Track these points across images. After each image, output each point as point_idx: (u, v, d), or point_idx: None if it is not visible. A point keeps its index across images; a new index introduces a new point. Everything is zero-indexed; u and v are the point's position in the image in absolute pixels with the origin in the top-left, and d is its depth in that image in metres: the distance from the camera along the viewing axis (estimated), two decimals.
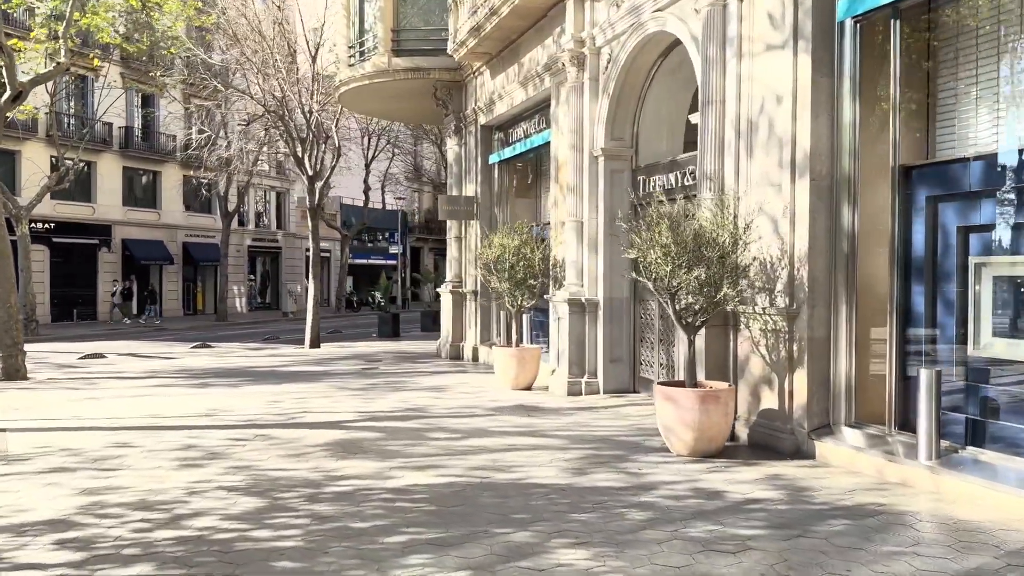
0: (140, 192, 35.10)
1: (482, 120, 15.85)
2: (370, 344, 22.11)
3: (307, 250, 45.87)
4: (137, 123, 34.20)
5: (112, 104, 29.81)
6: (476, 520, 5.32)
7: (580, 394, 11.04)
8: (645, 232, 7.15)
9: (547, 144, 13.21)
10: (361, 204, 43.04)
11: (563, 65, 11.58)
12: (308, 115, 20.34)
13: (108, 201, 32.84)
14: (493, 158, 15.82)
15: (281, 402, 10.98)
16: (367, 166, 40.43)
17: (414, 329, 27.14)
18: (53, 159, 28.47)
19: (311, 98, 20.39)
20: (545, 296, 12.25)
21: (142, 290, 32.78)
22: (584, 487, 6.18)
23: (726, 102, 8.17)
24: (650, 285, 7.32)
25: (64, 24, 13.87)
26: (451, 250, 17.36)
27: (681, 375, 9.73)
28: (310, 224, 21.62)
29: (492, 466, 6.90)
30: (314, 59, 20.51)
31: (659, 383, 7.53)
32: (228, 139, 29.11)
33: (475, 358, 16.16)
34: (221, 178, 32.16)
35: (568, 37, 11.27)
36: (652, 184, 10.58)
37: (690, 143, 10.69)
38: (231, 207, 33.95)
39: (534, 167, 15.49)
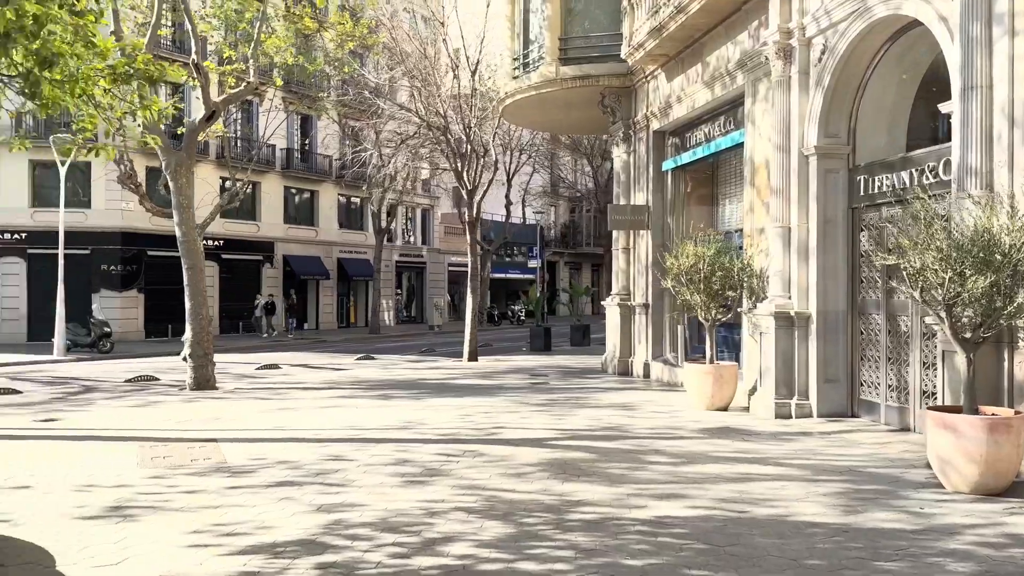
0: (299, 210, 36.72)
1: (655, 125, 15.20)
2: (525, 358, 21.81)
3: (450, 265, 46.84)
4: (296, 144, 35.84)
5: (278, 127, 31.25)
6: (767, 565, 4.65)
7: (789, 417, 10.10)
8: (915, 234, 6.27)
9: (736, 146, 12.40)
10: (499, 218, 43.25)
11: (765, 59, 10.77)
12: (468, 130, 20.40)
13: (271, 219, 34.52)
14: (667, 164, 15.12)
15: (471, 416, 10.71)
16: (508, 180, 40.61)
17: (563, 343, 26.70)
18: (223, 180, 30.12)
19: (470, 112, 20.45)
20: (739, 309, 11.42)
21: (292, 304, 33.88)
22: (866, 528, 5.38)
23: (994, 87, 7.15)
24: (916, 295, 6.43)
25: (252, 45, 14.42)
26: (618, 261, 16.76)
27: (920, 398, 8.71)
28: (468, 238, 21.68)
29: (742, 498, 6.19)
30: (474, 73, 20.56)
31: (931, 408, 6.59)
32: (383, 159, 29.85)
33: (646, 374, 15.44)
34: (376, 196, 33.10)
35: (773, 29, 10.46)
36: (876, 184, 9.57)
37: (917, 137, 9.62)
38: (383, 224, 34.86)
39: (712, 172, 14.66)
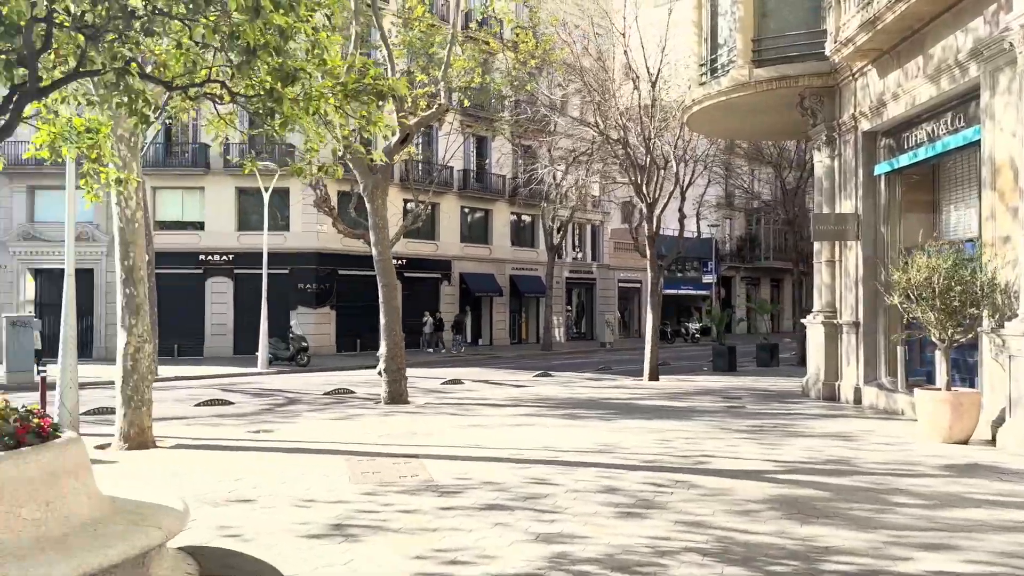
0: (474, 229, 37.60)
1: (864, 126, 13.91)
2: (709, 378, 20.76)
3: (619, 281, 46.16)
4: (472, 165, 36.78)
5: (457, 149, 32.16)
6: None
7: None
8: None
9: (968, 145, 11.00)
10: (672, 233, 42.07)
11: (1008, 47, 9.45)
12: (648, 142, 19.83)
13: (448, 238, 35.57)
14: (880, 168, 13.76)
15: (670, 441, 10.10)
16: (683, 193, 39.41)
17: (746, 363, 25.25)
18: (405, 202, 31.35)
19: (650, 123, 19.87)
20: (979, 328, 10.04)
21: (460, 321, 34.36)
22: None
23: None
24: None
25: (442, 68, 14.73)
26: (820, 275, 15.48)
27: None
28: (648, 253, 21.05)
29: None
30: (654, 84, 19.98)
31: None
32: (556, 176, 29.87)
33: (857, 400, 14.05)
34: (548, 212, 33.22)
35: (1018, 11, 9.15)
36: None
37: None
38: (555, 241, 34.90)
39: (932, 175, 13.18)
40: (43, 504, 4.18)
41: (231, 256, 30.47)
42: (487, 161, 37.26)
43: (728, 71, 15.68)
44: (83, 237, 27.59)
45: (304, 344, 25.49)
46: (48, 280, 28.74)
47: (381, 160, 12.16)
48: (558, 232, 35.57)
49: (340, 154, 14.42)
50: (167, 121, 24.14)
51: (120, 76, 4.63)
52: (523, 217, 39.79)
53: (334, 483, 7.66)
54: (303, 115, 5.11)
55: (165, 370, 21.73)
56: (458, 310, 35.22)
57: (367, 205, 15.12)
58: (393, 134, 7.93)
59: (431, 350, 32.21)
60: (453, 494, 7.15)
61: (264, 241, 25.43)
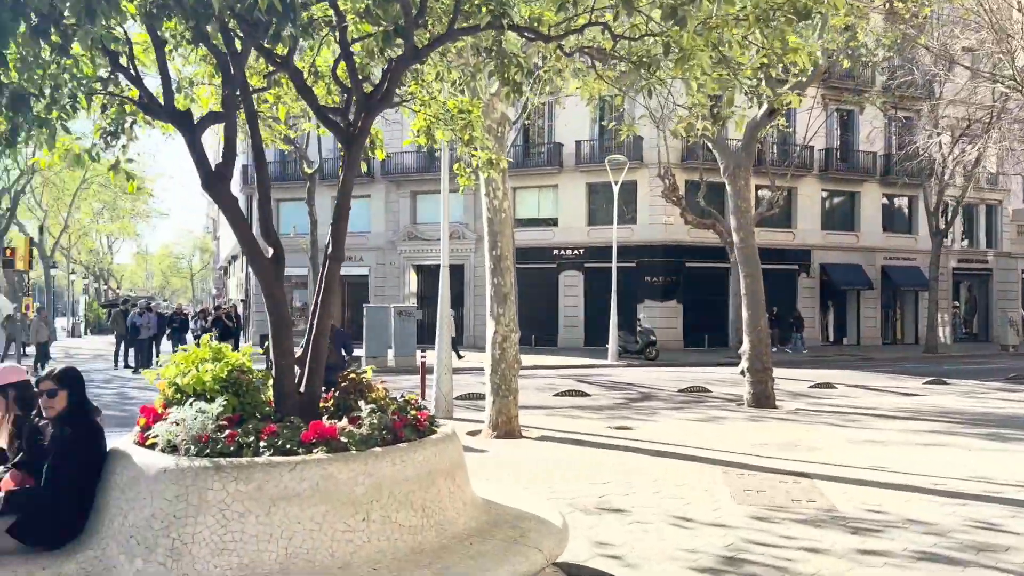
0: (837, 215, 33.90)
1: None
2: None
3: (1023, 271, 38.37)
4: (836, 143, 33.15)
5: (819, 127, 29.12)
6: None
7: None
8: None
9: None
10: None
11: None
12: None
13: (807, 226, 32.47)
14: None
15: None
16: None
17: None
18: (756, 187, 29.16)
19: None
20: None
21: (787, 317, 30.61)
22: None
23: None
24: None
25: (820, 24, 12.78)
26: None
27: None
28: None
29: None
30: None
31: None
32: (942, 148, 25.48)
33: None
34: (931, 192, 28.57)
35: None
36: None
37: None
38: (940, 225, 29.86)
39: None
40: (419, 509, 3.74)
41: (582, 251, 31.11)
42: (854, 137, 33.27)
43: None
44: (455, 236, 30.27)
45: (652, 338, 24.94)
46: (427, 275, 32.10)
47: (740, 133, 10.81)
48: (943, 215, 30.42)
49: (695, 130, 13.37)
50: (524, 122, 25.19)
51: (495, 30, 4.16)
52: (896, 200, 34.89)
53: (714, 500, 6.61)
54: (703, 46, 4.19)
55: (524, 359, 22.64)
56: (818, 304, 31.97)
57: (728, 187, 13.83)
58: (805, 70, 6.55)
59: (774, 349, 29.45)
60: (869, 532, 5.66)
61: (613, 235, 25.36)
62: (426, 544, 3.66)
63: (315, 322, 4.46)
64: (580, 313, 31.42)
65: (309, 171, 23.18)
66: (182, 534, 3.36)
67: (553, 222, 32.03)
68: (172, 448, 3.65)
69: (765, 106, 12.96)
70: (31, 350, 21.65)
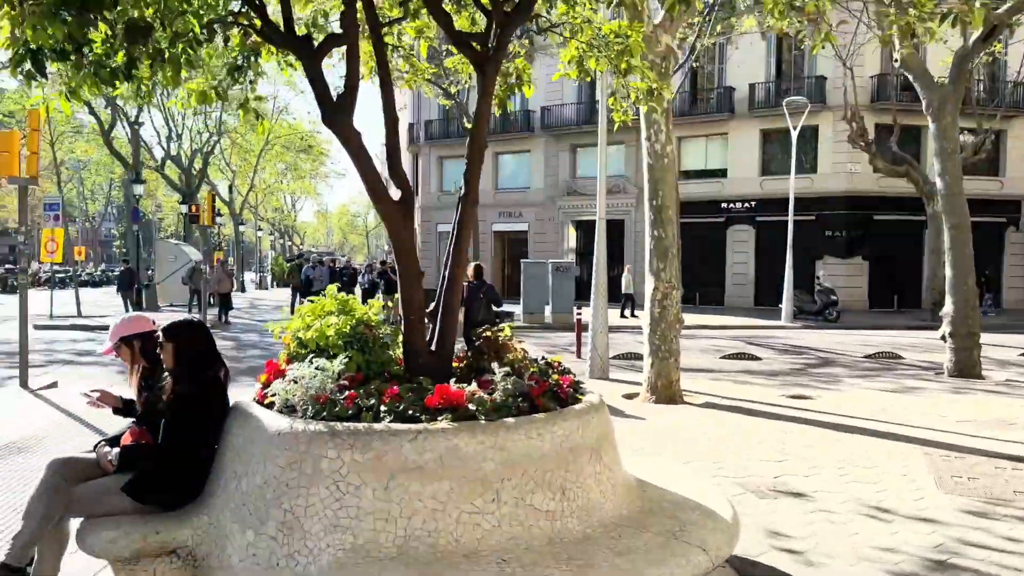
0: None
1: None
2: None
3: None
4: None
5: None
6: None
7: None
8: None
9: None
10: None
11: None
12: None
13: (1018, 173, 28.53)
14: None
15: None
16: None
17: None
18: (961, 131, 25.83)
19: None
20: None
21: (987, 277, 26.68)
22: None
23: None
24: None
25: None
26: None
27: None
28: None
29: None
30: None
31: None
32: None
33: None
34: None
35: None
36: None
37: None
38: None
39: None
40: (558, 491, 3.19)
41: (753, 203, 29.16)
42: None
43: None
44: (615, 190, 29.27)
45: (833, 297, 22.92)
46: (586, 230, 31.37)
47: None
48: None
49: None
50: (692, 63, 23.62)
51: None
52: None
53: (915, 487, 5.60)
54: None
55: (688, 318, 21.60)
56: None
57: (931, 126, 12.02)
58: None
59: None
60: None
61: (791, 185, 23.39)
62: (566, 533, 3.11)
63: (448, 272, 3.98)
64: (750, 270, 29.59)
65: (470, 126, 23.05)
66: (294, 506, 3.01)
67: (722, 173, 30.17)
68: (289, 408, 3.32)
69: (978, 32, 11.13)
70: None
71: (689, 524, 3.31)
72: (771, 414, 8.40)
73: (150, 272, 29.14)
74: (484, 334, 3.98)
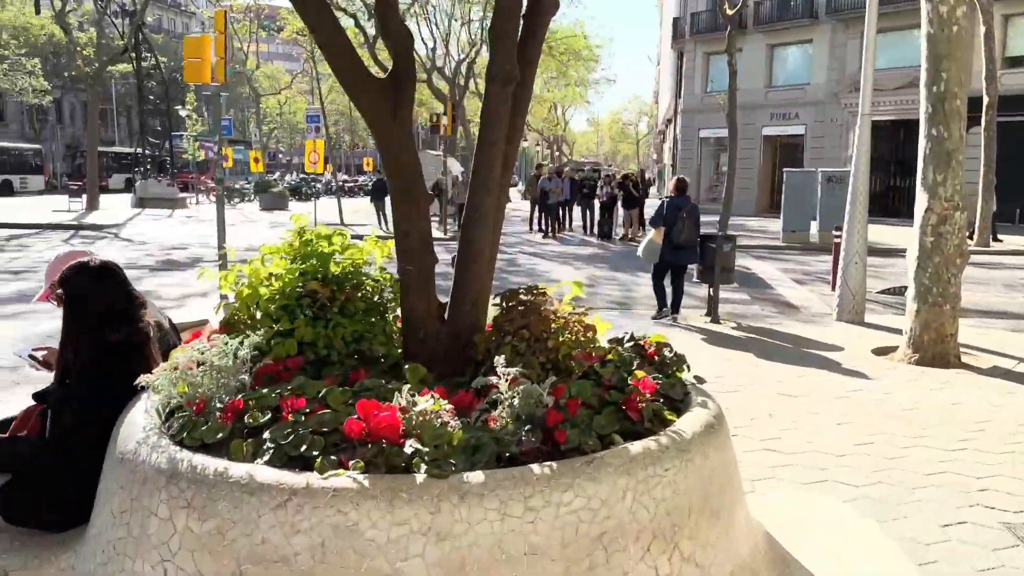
0: None
1: None
2: None
3: None
4: None
5: None
6: None
7: None
8: None
9: None
10: None
11: None
12: None
13: None
14: None
15: None
16: None
17: None
18: None
19: None
20: None
21: None
22: None
23: None
24: None
25: None
26: None
27: None
28: None
29: None
30: None
31: None
32: None
33: None
34: None
35: None
36: None
37: None
38: None
39: None
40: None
41: None
42: None
43: None
44: (912, 84, 24.28)
45: None
46: (877, 133, 26.58)
47: None
48: None
49: None
50: None
51: None
52: None
53: None
54: None
55: (993, 244, 17.37)
56: None
57: None
58: None
59: None
60: None
61: None
62: None
63: (471, 192, 2.49)
64: None
65: (730, 11, 20.06)
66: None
67: None
68: (168, 414, 2.15)
69: None
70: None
71: None
72: None
73: None
74: (519, 295, 2.46)
